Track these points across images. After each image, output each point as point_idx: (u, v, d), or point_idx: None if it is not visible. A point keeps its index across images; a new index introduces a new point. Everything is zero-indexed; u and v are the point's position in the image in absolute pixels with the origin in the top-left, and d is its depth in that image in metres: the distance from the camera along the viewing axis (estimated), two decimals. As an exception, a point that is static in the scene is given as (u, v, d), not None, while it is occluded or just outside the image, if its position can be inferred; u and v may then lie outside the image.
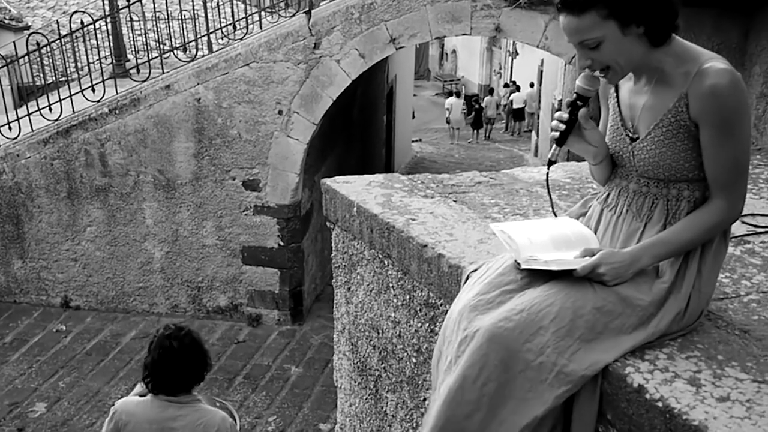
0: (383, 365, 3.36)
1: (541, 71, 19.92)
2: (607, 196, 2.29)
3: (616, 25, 1.96)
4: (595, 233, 2.28)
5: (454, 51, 35.10)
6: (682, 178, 2.09)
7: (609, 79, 2.09)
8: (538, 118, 20.58)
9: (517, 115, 25.08)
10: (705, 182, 2.08)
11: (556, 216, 2.46)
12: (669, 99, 2.04)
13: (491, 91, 26.80)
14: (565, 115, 2.17)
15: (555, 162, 2.30)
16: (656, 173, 2.11)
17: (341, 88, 9.19)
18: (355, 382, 3.72)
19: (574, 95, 2.16)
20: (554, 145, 2.21)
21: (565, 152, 2.33)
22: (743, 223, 2.93)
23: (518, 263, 2.13)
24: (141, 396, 3.66)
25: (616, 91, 2.23)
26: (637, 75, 2.15)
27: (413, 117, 22.70)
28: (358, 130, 13.89)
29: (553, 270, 2.08)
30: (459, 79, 33.38)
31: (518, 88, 25.42)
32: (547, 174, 2.39)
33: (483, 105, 24.59)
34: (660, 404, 1.83)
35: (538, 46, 8.89)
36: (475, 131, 24.48)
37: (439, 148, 22.89)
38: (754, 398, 1.82)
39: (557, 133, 2.18)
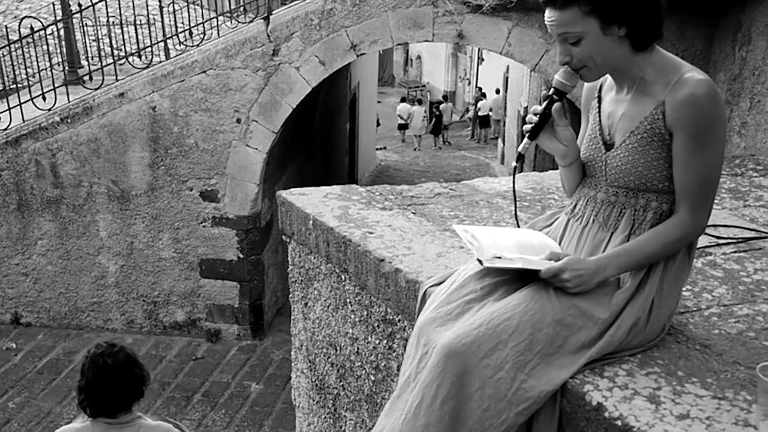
0: (341, 383, 3.33)
1: (507, 78, 20.06)
2: (574, 206, 2.29)
3: (598, 23, 1.98)
4: (560, 244, 2.28)
5: (419, 57, 35.25)
6: (652, 188, 2.10)
7: (583, 75, 2.10)
8: (504, 125, 20.72)
9: (483, 122, 25.24)
10: (673, 195, 2.09)
11: (517, 219, 2.47)
12: (647, 107, 2.06)
13: (445, 98, 27.16)
14: (540, 108, 2.18)
15: (524, 156, 2.29)
16: (627, 181, 2.12)
17: (301, 96, 9.17)
18: (313, 400, 3.69)
19: (552, 89, 2.17)
20: (525, 138, 2.22)
21: (530, 163, 2.33)
22: (705, 234, 2.94)
23: (481, 262, 2.11)
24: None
25: (599, 102, 2.24)
26: (619, 84, 2.16)
27: (378, 125, 22.73)
28: (320, 138, 13.86)
29: (517, 273, 2.08)
30: (424, 86, 33.51)
31: (484, 95, 25.59)
32: (515, 168, 2.38)
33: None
34: (619, 422, 1.82)
35: (501, 53, 8.94)
36: (436, 138, 24.71)
37: (403, 156, 22.94)
38: (714, 415, 1.82)
39: (530, 126, 2.19)
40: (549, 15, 2.03)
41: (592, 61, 2.04)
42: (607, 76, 2.18)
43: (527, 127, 2.20)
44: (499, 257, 2.10)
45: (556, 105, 2.16)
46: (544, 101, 2.18)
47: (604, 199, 2.19)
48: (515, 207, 2.45)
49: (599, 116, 2.23)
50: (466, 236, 2.24)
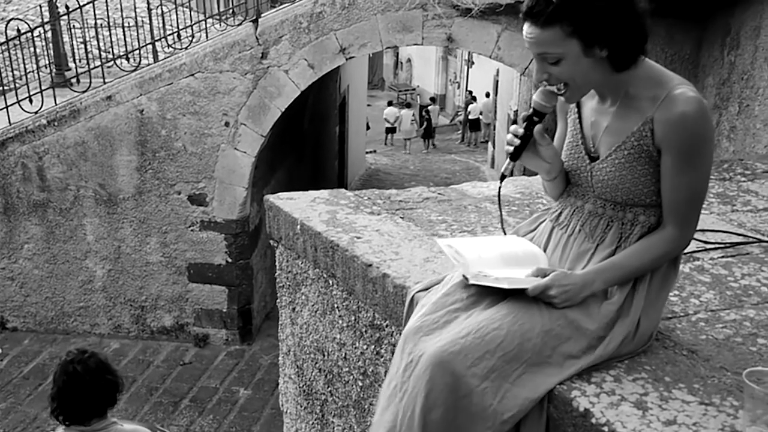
0: (329, 389, 3.33)
1: (497, 81, 20.09)
2: (559, 214, 2.28)
3: (579, 44, 1.95)
4: (544, 251, 2.28)
5: (409, 60, 35.27)
6: (640, 203, 2.10)
7: (567, 97, 2.09)
8: (494, 129, 20.75)
9: (474, 125, 25.29)
10: (660, 208, 2.09)
11: (505, 233, 2.45)
12: (633, 122, 2.04)
13: (433, 100, 27.42)
14: (521, 130, 2.15)
15: (507, 177, 2.30)
16: (614, 196, 2.12)
17: (290, 99, 9.17)
18: (301, 406, 3.68)
19: (531, 110, 2.15)
20: (507, 160, 2.21)
21: (520, 167, 2.33)
22: (693, 239, 2.95)
23: (466, 278, 2.11)
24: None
25: (579, 107, 2.22)
26: (601, 95, 2.14)
27: (367, 128, 22.74)
28: (309, 142, 13.86)
29: (503, 288, 2.08)
30: (414, 89, 33.54)
31: (474, 99, 25.64)
32: (499, 189, 2.39)
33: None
34: (606, 429, 1.82)
35: (490, 57, 8.96)
36: (426, 141, 24.73)
37: (393, 159, 22.95)
38: (701, 421, 1.83)
39: (511, 148, 2.17)
40: (529, 31, 1.99)
41: (573, 82, 2.02)
42: None
43: (509, 148, 2.17)
44: (485, 275, 2.10)
45: (537, 127, 2.14)
46: (524, 122, 2.16)
47: (592, 210, 2.18)
48: (501, 224, 2.44)
49: (580, 123, 2.21)
50: (450, 251, 2.24)
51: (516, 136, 2.16)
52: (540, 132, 2.14)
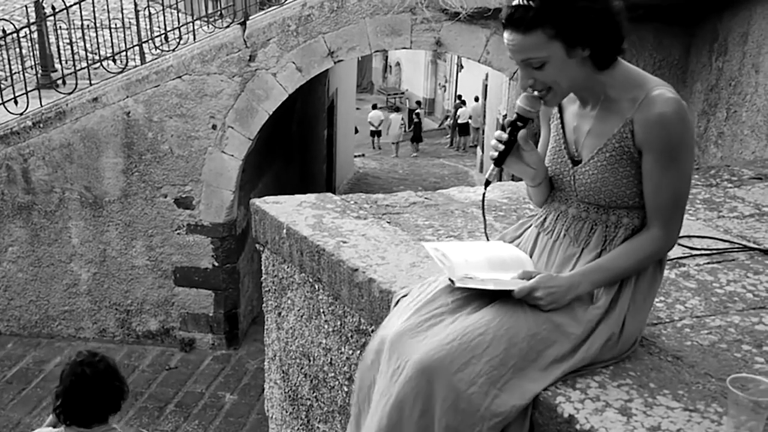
0: (315, 394, 3.33)
1: (486, 85, 20.14)
2: (544, 219, 2.29)
3: (562, 46, 1.96)
4: (530, 256, 2.29)
5: (398, 63, 35.32)
6: (623, 205, 2.11)
7: (548, 101, 2.10)
8: (483, 133, 20.79)
9: (463, 129, 25.33)
10: (644, 210, 2.10)
11: (488, 239, 2.46)
12: (614, 124, 2.05)
13: (419, 103, 27.54)
14: (505, 136, 2.16)
15: (491, 182, 2.31)
16: (597, 199, 2.13)
17: (278, 102, 9.16)
18: (286, 411, 3.68)
19: (515, 116, 2.16)
20: (492, 165, 2.22)
21: (509, 173, 2.34)
22: (679, 245, 2.97)
23: (452, 281, 2.12)
24: (53, 427, 3.56)
25: (560, 112, 2.24)
26: (582, 99, 2.15)
27: (356, 132, 22.75)
28: (297, 145, 13.85)
29: (489, 290, 2.08)
30: (403, 93, 33.58)
31: (464, 103, 25.70)
32: (484, 194, 2.39)
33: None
34: (590, 435, 1.83)
35: (479, 61, 8.99)
36: (414, 144, 24.84)
37: (382, 163, 22.96)
38: (685, 428, 1.84)
39: (496, 153, 2.18)
40: (511, 39, 1.99)
41: (557, 85, 2.03)
42: None
43: (493, 154, 2.18)
44: (471, 278, 2.10)
45: (522, 132, 2.14)
46: (507, 128, 2.16)
47: (576, 214, 2.20)
48: (485, 229, 2.44)
49: (563, 128, 2.23)
50: (436, 255, 2.24)
51: (500, 141, 2.17)
52: (524, 137, 2.15)
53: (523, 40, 1.97)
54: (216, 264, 9.73)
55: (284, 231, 3.30)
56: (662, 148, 2.00)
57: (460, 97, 26.89)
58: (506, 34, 2.01)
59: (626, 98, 2.04)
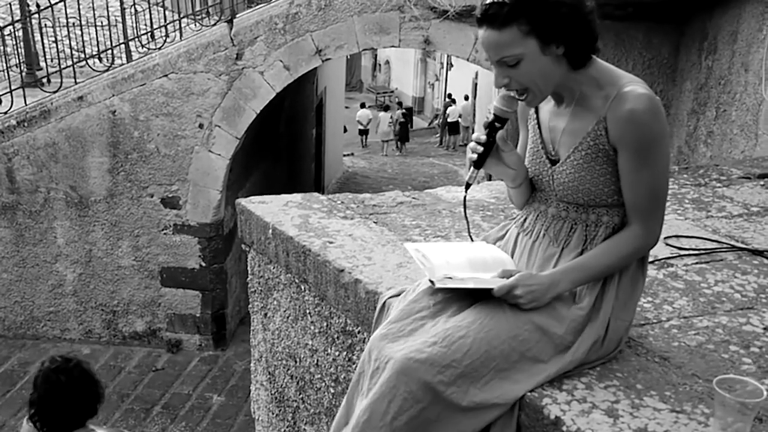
0: (301, 396, 3.32)
1: (476, 84, 20.16)
2: (524, 220, 2.29)
3: (537, 43, 1.97)
4: (512, 257, 2.29)
5: (387, 62, 35.31)
6: (602, 203, 2.11)
7: (528, 101, 2.10)
8: (472, 132, 20.80)
9: (452, 128, 25.34)
10: (624, 208, 2.10)
11: (472, 240, 2.46)
12: (588, 122, 2.06)
13: (400, 104, 27.60)
14: (483, 137, 2.16)
15: (471, 185, 2.30)
16: (575, 198, 2.13)
17: (265, 101, 9.14)
18: (272, 413, 3.67)
19: (492, 116, 2.16)
20: (472, 168, 2.21)
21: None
22: (667, 245, 2.98)
23: (432, 282, 2.11)
24: None
25: (536, 112, 2.24)
26: (556, 97, 2.15)
27: (345, 130, 22.73)
28: (285, 144, 13.82)
29: (469, 288, 2.08)
30: (392, 91, 33.58)
31: (454, 101, 25.72)
32: (465, 197, 2.39)
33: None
34: (576, 437, 1.83)
35: (468, 59, 8.99)
36: (400, 143, 24.99)
37: (371, 162, 22.94)
38: (672, 429, 1.84)
39: (475, 156, 2.18)
40: (486, 35, 2.00)
41: (533, 84, 2.03)
42: None
43: (472, 156, 2.18)
44: (450, 278, 2.10)
45: (500, 132, 2.15)
46: (486, 129, 2.16)
47: (555, 214, 2.20)
48: (468, 231, 2.44)
49: (539, 128, 2.23)
50: (417, 256, 2.23)
51: (479, 143, 2.17)
52: (503, 138, 2.16)
53: (498, 37, 1.98)
54: (203, 264, 9.71)
55: (270, 231, 3.29)
56: (635, 145, 2.00)
57: (450, 95, 26.92)
58: (481, 32, 2.02)
59: (599, 96, 2.05)
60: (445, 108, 26.05)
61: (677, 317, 2.42)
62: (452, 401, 1.94)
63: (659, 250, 2.76)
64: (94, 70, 9.39)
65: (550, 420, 1.91)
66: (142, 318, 9.92)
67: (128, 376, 9.27)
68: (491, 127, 2.16)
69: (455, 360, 1.96)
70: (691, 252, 2.95)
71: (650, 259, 2.36)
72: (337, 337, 2.94)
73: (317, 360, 3.12)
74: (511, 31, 1.96)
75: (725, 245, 3.02)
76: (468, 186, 2.29)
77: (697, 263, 2.87)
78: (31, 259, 9.68)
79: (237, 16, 9.22)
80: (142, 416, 8.42)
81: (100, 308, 9.90)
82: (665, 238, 2.98)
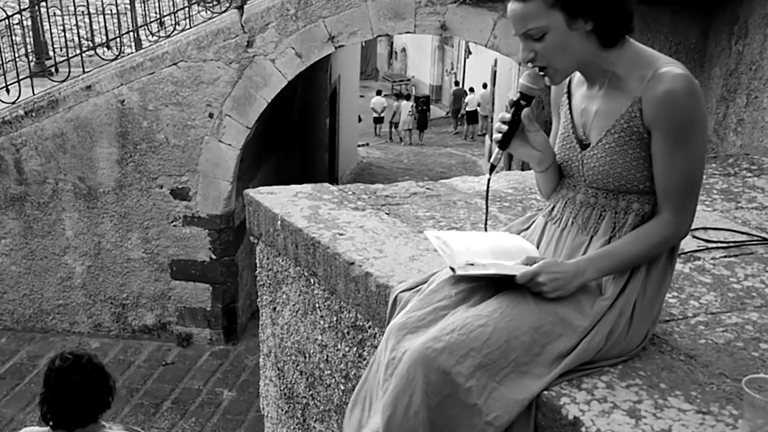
0: (311, 392, 3.28)
1: (495, 71, 20.03)
2: (552, 208, 2.25)
3: (563, 16, 1.95)
4: (538, 247, 2.24)
5: (403, 49, 35.21)
6: (632, 190, 2.07)
7: (550, 77, 2.06)
8: (491, 121, 20.70)
9: (471, 118, 25.27)
10: (655, 196, 2.06)
11: (486, 229, 2.41)
12: (622, 104, 2.02)
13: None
14: (508, 116, 2.13)
15: (496, 166, 2.25)
16: (606, 183, 2.08)
17: (277, 90, 9.11)
18: (282, 410, 3.64)
19: (518, 94, 2.13)
20: (496, 149, 2.17)
21: (518, 161, 2.28)
22: (694, 237, 2.91)
23: (453, 269, 2.07)
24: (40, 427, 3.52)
25: (569, 98, 2.21)
26: (589, 79, 2.12)
27: (359, 120, 22.70)
28: (298, 134, 13.80)
29: (491, 276, 2.04)
30: (409, 80, 33.50)
31: (472, 90, 25.63)
32: (489, 180, 2.34)
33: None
34: (597, 439, 1.78)
35: (486, 45, 8.91)
36: (421, 132, 25.00)
37: (387, 153, 22.91)
38: (697, 431, 1.79)
39: (500, 135, 2.14)
40: (512, 8, 1.99)
41: (557, 59, 2.00)
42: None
43: (497, 136, 2.15)
44: (472, 264, 2.05)
45: (525, 111, 2.11)
46: (511, 108, 2.13)
47: (584, 200, 2.15)
48: (486, 218, 2.40)
49: (571, 113, 2.19)
50: (437, 243, 2.21)
51: (504, 122, 2.13)
52: (528, 116, 2.12)
53: (523, 8, 1.97)
54: (213, 257, 9.70)
55: (279, 223, 3.24)
56: (671, 127, 1.95)
57: (457, 83, 26.99)
58: (509, 6, 2.01)
59: (635, 77, 2.01)
60: (455, 96, 26.07)
61: (704, 313, 2.36)
62: (470, 394, 1.89)
63: (686, 243, 2.69)
64: (102, 58, 9.39)
65: (568, 420, 1.86)
66: (151, 311, 9.93)
67: (138, 371, 9.29)
68: (517, 105, 2.12)
69: (474, 348, 1.91)
70: (720, 245, 2.88)
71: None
72: (347, 333, 2.90)
73: (327, 356, 3.08)
74: (535, 2, 1.95)
75: (756, 238, 2.96)
76: (492, 168, 2.24)
77: (725, 257, 2.80)
78: (40, 252, 9.71)
79: (248, 2, 9.17)
80: (152, 411, 8.43)
81: (110, 301, 9.93)
82: (692, 230, 2.92)
